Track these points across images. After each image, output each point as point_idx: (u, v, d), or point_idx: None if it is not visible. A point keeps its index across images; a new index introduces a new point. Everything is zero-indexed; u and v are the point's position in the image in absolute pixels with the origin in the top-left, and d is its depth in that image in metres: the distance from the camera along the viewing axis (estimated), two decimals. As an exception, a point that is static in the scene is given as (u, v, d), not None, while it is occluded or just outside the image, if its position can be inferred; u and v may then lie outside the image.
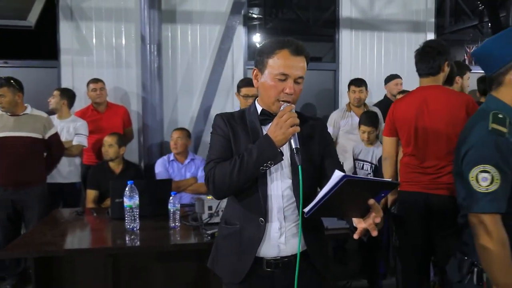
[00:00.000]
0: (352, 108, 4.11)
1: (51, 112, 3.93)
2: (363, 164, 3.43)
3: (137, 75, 4.72)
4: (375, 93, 5.03)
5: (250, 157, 1.46)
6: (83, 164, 4.18)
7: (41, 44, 5.00)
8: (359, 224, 1.38)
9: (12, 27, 4.22)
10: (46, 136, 3.44)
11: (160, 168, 3.72)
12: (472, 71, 3.74)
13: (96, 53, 4.75)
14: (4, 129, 3.30)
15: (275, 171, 1.55)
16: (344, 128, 4.07)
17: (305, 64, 1.55)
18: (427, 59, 2.52)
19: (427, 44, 2.58)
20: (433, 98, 2.48)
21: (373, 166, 3.34)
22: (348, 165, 3.61)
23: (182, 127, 3.99)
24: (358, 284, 3.61)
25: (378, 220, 1.33)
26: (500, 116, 1.50)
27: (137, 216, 2.59)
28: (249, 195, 1.56)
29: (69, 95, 4.07)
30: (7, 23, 4.21)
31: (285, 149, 1.55)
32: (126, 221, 2.58)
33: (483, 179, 1.46)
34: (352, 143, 3.79)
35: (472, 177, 1.48)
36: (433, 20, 5.48)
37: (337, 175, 1.24)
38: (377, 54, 5.37)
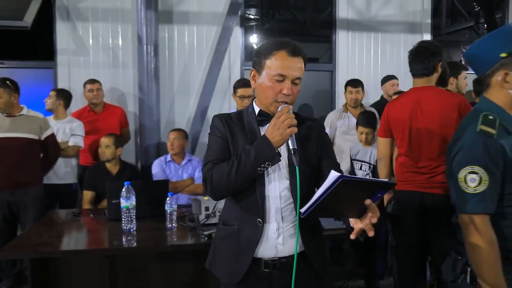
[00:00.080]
0: (348, 109, 4.12)
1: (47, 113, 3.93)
2: (361, 165, 3.43)
3: (134, 75, 4.71)
4: (372, 94, 5.04)
5: (247, 158, 1.46)
6: (80, 165, 4.17)
7: (38, 45, 4.98)
8: (356, 224, 1.38)
9: (8, 27, 4.21)
10: (42, 137, 3.43)
11: (157, 169, 3.71)
12: (469, 72, 3.76)
13: (93, 53, 4.74)
14: (0, 130, 3.29)
15: (273, 172, 1.56)
16: (341, 128, 4.09)
17: (303, 65, 1.55)
18: (422, 59, 2.53)
19: (421, 45, 2.60)
20: (426, 99, 2.50)
21: (371, 166, 3.34)
22: (345, 165, 3.62)
23: (179, 128, 3.98)
24: (355, 284, 3.62)
25: (374, 220, 1.33)
26: (491, 117, 1.51)
27: (134, 217, 2.58)
28: (247, 196, 1.56)
29: (65, 96, 4.06)
30: (3, 24, 4.19)
31: (283, 150, 1.55)
32: (123, 222, 2.57)
33: (471, 180, 1.48)
34: (349, 144, 3.80)
35: (461, 178, 1.50)
36: (429, 21, 5.51)
37: (333, 175, 1.24)
38: (374, 55, 5.38)
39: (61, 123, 3.95)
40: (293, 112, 1.52)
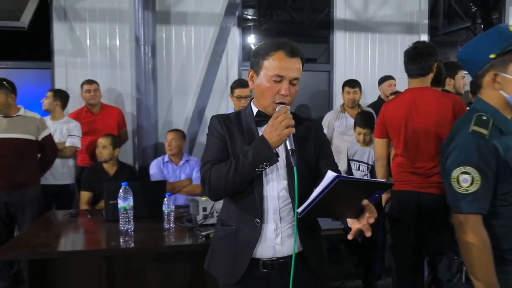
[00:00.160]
0: (346, 109, 4.13)
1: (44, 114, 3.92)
2: (359, 165, 3.44)
3: (131, 76, 4.71)
4: (369, 94, 5.05)
5: (245, 158, 1.46)
6: (77, 165, 4.16)
7: (35, 45, 4.97)
8: (353, 224, 1.39)
9: (5, 28, 4.20)
10: (40, 138, 3.42)
11: (155, 169, 3.71)
12: (466, 72, 3.77)
13: (90, 54, 4.73)
14: (-3, 131, 3.28)
15: (271, 172, 1.56)
16: (339, 129, 4.09)
17: (300, 65, 1.55)
18: (419, 60, 2.54)
19: (417, 45, 2.61)
20: (422, 99, 2.52)
21: (370, 167, 3.35)
22: (342, 166, 3.62)
23: (176, 129, 3.98)
24: (353, 284, 3.62)
25: (371, 220, 1.34)
26: (484, 118, 1.52)
27: (131, 217, 2.58)
28: (245, 196, 1.56)
29: (62, 96, 4.06)
30: (0, 24, 4.18)
31: (281, 150, 1.55)
32: (120, 222, 2.57)
33: (464, 180, 1.49)
34: (346, 144, 3.80)
35: (453, 178, 1.52)
36: (426, 21, 5.52)
37: (329, 175, 1.24)
38: (371, 56, 5.39)
39: (58, 123, 3.94)
40: (291, 113, 1.53)
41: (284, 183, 1.57)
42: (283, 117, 1.45)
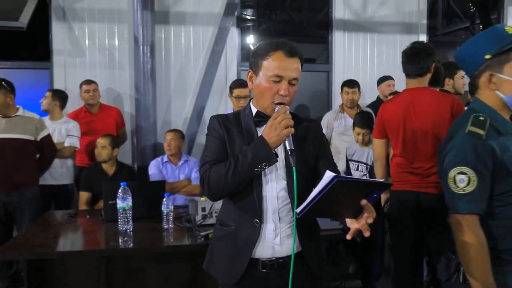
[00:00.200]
0: (345, 109, 4.13)
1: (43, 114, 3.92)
2: (358, 165, 3.44)
3: (130, 76, 4.71)
4: (368, 94, 5.05)
5: (245, 158, 1.46)
6: (76, 166, 4.16)
7: (33, 45, 4.97)
8: (352, 224, 1.39)
9: (4, 28, 4.19)
10: (38, 138, 3.42)
11: (154, 169, 3.71)
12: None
13: (89, 54, 4.73)
14: (-4, 131, 3.28)
15: (270, 173, 1.56)
16: (338, 129, 4.09)
17: (299, 65, 1.56)
18: (417, 60, 2.55)
19: (415, 46, 2.62)
20: (420, 99, 2.53)
21: (368, 167, 3.34)
22: (341, 166, 3.62)
23: (175, 129, 3.98)
24: (352, 284, 3.63)
25: (370, 220, 1.34)
26: (481, 118, 1.53)
27: (130, 218, 2.58)
28: (244, 197, 1.56)
29: (61, 97, 4.05)
30: (-2, 24, 4.18)
31: (280, 151, 1.55)
32: (119, 223, 2.57)
33: (460, 180, 1.50)
34: (345, 144, 3.80)
35: (450, 179, 1.53)
36: (425, 21, 5.53)
37: (328, 175, 1.24)
38: (370, 56, 5.40)
39: (57, 123, 3.94)
40: (290, 113, 1.53)
41: (283, 183, 1.57)
42: (282, 117, 1.45)
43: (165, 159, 3.75)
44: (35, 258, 2.42)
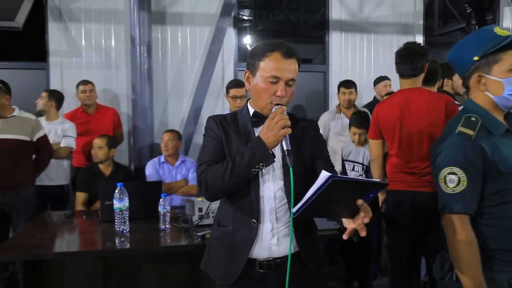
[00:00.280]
0: (342, 110, 4.14)
1: (38, 114, 3.90)
2: (354, 165, 3.44)
3: (127, 76, 4.70)
4: (365, 95, 5.06)
5: (242, 159, 1.46)
6: (73, 166, 4.15)
7: (29, 46, 4.94)
8: (349, 224, 1.39)
9: (0, 28, 4.18)
10: (35, 138, 3.41)
11: (151, 170, 3.70)
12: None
13: (86, 54, 4.72)
14: (-8, 132, 3.26)
15: (267, 173, 1.56)
16: (334, 129, 4.10)
17: (297, 66, 1.56)
18: (411, 60, 2.57)
19: (409, 46, 2.64)
20: (414, 100, 2.55)
21: (364, 167, 3.35)
22: (338, 166, 3.63)
23: (172, 129, 3.97)
24: (349, 284, 3.63)
25: (366, 220, 1.34)
26: (473, 119, 1.55)
27: (127, 218, 2.57)
28: (242, 197, 1.57)
29: (57, 97, 4.04)
30: (-6, 24, 4.16)
31: (277, 151, 1.56)
32: (116, 223, 2.56)
33: (450, 180, 1.52)
34: (342, 145, 3.80)
35: (441, 179, 1.54)
36: (421, 22, 5.55)
37: (323, 175, 1.25)
38: (367, 56, 5.41)
39: (53, 124, 3.93)
40: (288, 113, 1.53)
41: (280, 183, 1.57)
42: (279, 118, 1.45)
43: (162, 159, 3.74)
44: (32, 259, 2.41)
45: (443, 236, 1.70)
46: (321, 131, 1.80)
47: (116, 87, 4.78)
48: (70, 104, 4.45)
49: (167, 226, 2.63)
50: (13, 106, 3.41)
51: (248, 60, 1.59)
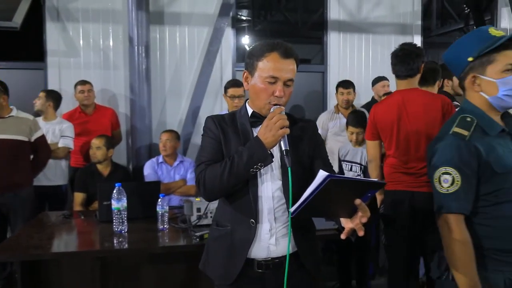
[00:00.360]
0: (340, 110, 4.14)
1: (36, 114, 3.89)
2: (351, 166, 3.42)
3: (125, 77, 4.69)
4: (363, 95, 5.06)
5: (240, 159, 1.46)
6: (71, 166, 4.14)
7: (27, 46, 4.94)
8: (346, 224, 1.39)
9: (-3, 28, 4.17)
10: (32, 139, 3.40)
11: (149, 170, 3.70)
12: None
13: (84, 54, 4.71)
14: (-10, 132, 3.26)
15: (266, 173, 1.56)
16: (333, 130, 4.10)
17: (295, 66, 1.56)
18: (407, 61, 2.59)
19: (404, 47, 2.66)
20: (411, 100, 2.57)
21: (362, 167, 3.34)
22: (335, 167, 3.63)
23: (171, 129, 3.97)
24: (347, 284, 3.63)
25: (364, 220, 1.34)
26: (468, 119, 1.56)
27: (125, 218, 2.57)
28: (240, 197, 1.57)
29: (55, 97, 4.03)
30: (-8, 24, 4.15)
31: (275, 151, 1.56)
32: (114, 223, 2.56)
33: (445, 180, 1.53)
34: (340, 145, 3.80)
35: (435, 179, 1.56)
36: (419, 22, 5.55)
37: (321, 174, 1.25)
38: (365, 56, 5.41)
39: (51, 124, 3.92)
40: (286, 113, 1.53)
41: (279, 183, 1.57)
42: (278, 118, 1.45)
43: (160, 159, 3.74)
44: (29, 259, 2.40)
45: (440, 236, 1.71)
46: (319, 131, 1.80)
47: (114, 87, 4.78)
48: (68, 104, 4.44)
49: (165, 226, 2.63)
50: (11, 106, 3.40)
51: (247, 60, 1.59)
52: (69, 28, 4.67)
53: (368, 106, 4.46)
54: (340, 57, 5.35)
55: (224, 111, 3.78)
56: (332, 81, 5.14)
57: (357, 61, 5.39)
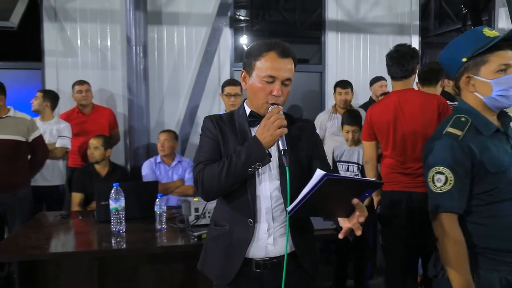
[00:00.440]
0: (338, 110, 4.14)
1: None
2: (348, 166, 3.41)
3: (123, 76, 4.69)
4: (361, 95, 5.07)
5: (238, 158, 1.47)
6: (69, 166, 4.13)
7: (25, 45, 4.93)
8: (344, 223, 1.39)
9: (-6, 27, 4.16)
10: (30, 139, 3.39)
11: (147, 170, 3.70)
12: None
13: (81, 54, 4.70)
14: (-13, 132, 3.25)
15: (264, 173, 1.56)
16: (331, 129, 4.10)
17: (293, 66, 1.56)
18: (402, 62, 2.61)
19: (399, 48, 2.69)
20: (407, 101, 2.58)
21: (360, 166, 3.34)
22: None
23: (169, 129, 3.97)
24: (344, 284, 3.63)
25: (362, 219, 1.34)
26: (463, 119, 1.57)
27: (123, 218, 2.57)
28: (238, 196, 1.57)
29: (52, 97, 4.03)
30: (-11, 24, 4.14)
31: (273, 151, 1.55)
32: (112, 223, 2.56)
33: (438, 180, 1.55)
34: (336, 145, 3.80)
35: (429, 178, 1.58)
36: (417, 23, 5.56)
37: (318, 173, 1.24)
38: (363, 56, 5.42)
39: (48, 124, 3.91)
40: (284, 113, 1.54)
41: (277, 183, 1.57)
42: (276, 117, 1.45)
43: (158, 159, 3.74)
44: (27, 260, 2.40)
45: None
46: (317, 131, 1.81)
47: (112, 87, 4.77)
48: (66, 104, 4.44)
49: (163, 226, 2.63)
50: (8, 107, 3.39)
51: (244, 60, 1.60)
52: (66, 27, 4.66)
53: (366, 106, 4.46)
54: (338, 57, 5.35)
55: (222, 111, 3.78)
56: (330, 81, 5.14)
57: (355, 61, 5.40)
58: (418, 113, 2.53)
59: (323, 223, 2.44)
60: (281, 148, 1.47)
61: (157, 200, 2.64)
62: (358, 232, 1.36)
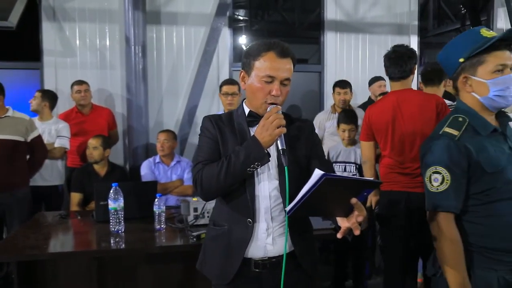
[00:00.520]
0: (337, 110, 4.14)
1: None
2: (345, 166, 3.40)
3: (122, 76, 4.68)
4: (360, 95, 5.08)
5: (237, 158, 1.47)
6: (68, 166, 4.13)
7: (23, 45, 4.92)
8: (343, 223, 1.40)
9: (-7, 27, 4.16)
10: (29, 139, 3.39)
11: (146, 170, 3.69)
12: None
13: (80, 54, 4.70)
14: (-14, 132, 3.24)
15: (262, 172, 1.56)
16: (330, 129, 4.10)
17: (292, 66, 1.56)
18: (400, 63, 2.63)
19: (397, 49, 2.69)
20: (405, 101, 2.59)
21: (357, 166, 3.34)
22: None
23: (168, 129, 3.97)
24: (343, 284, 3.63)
25: (360, 219, 1.35)
26: (460, 119, 1.58)
27: (122, 218, 2.57)
28: (237, 196, 1.57)
29: (50, 97, 4.02)
30: (-13, 24, 4.14)
31: (272, 150, 1.56)
32: (111, 223, 2.55)
33: (435, 179, 1.56)
34: (332, 146, 3.80)
35: (427, 178, 1.59)
36: (416, 23, 5.57)
37: (316, 173, 1.25)
38: (362, 56, 5.42)
39: (47, 124, 3.91)
40: (283, 113, 1.54)
41: (276, 182, 1.57)
42: (274, 117, 1.46)
43: (157, 159, 3.74)
44: (26, 260, 2.39)
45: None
46: (316, 131, 1.81)
47: (111, 87, 4.77)
48: (65, 104, 4.43)
49: (162, 226, 2.63)
50: (7, 107, 3.39)
51: (243, 60, 1.60)
52: (65, 27, 4.66)
53: (364, 106, 4.47)
54: (337, 57, 5.36)
55: (221, 111, 3.78)
56: (329, 81, 5.14)
57: (354, 61, 5.40)
58: (417, 113, 2.54)
59: (322, 223, 2.44)
60: (280, 147, 1.47)
61: (156, 200, 2.64)
62: (357, 232, 1.36)
